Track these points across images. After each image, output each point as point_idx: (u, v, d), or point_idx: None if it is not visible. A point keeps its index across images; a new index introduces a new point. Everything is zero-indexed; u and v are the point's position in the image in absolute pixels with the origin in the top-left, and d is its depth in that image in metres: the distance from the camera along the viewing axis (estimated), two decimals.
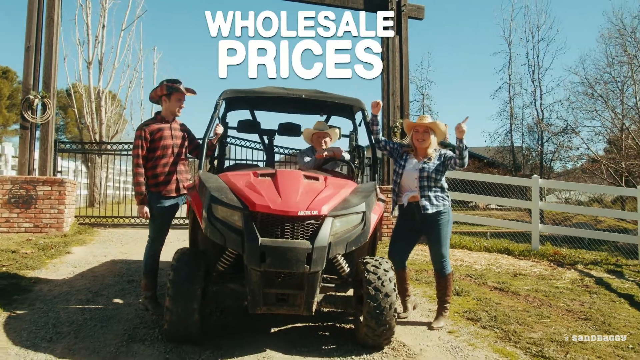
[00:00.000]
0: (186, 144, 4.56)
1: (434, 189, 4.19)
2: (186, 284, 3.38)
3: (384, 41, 11.40)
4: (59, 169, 10.03)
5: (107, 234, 9.15)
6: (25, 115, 8.64)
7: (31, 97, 8.63)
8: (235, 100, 4.68)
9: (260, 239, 3.20)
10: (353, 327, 4.03)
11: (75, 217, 9.81)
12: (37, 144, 8.88)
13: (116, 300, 4.67)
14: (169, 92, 4.40)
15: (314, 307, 3.46)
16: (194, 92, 4.52)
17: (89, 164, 17.93)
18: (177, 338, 3.50)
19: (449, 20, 61.28)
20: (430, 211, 4.16)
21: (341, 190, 3.69)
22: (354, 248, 3.51)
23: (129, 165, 23.24)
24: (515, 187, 11.87)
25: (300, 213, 3.30)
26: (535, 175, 10.53)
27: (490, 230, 12.96)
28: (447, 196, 4.28)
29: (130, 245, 7.93)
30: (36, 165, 8.84)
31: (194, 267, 3.47)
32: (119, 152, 11.97)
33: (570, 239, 10.97)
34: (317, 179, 3.85)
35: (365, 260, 3.65)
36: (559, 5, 50.63)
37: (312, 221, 3.34)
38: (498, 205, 17.92)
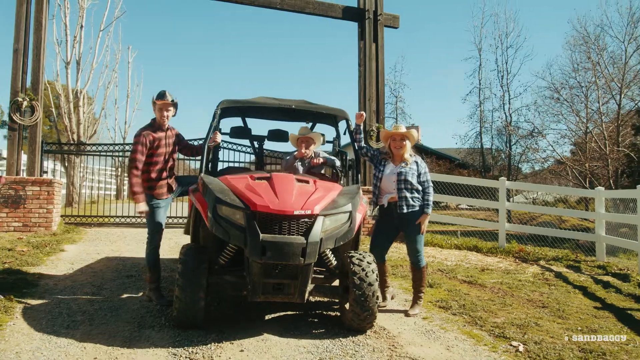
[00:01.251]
0: (176, 149, 5.02)
1: (410, 190, 4.71)
2: (194, 276, 3.81)
3: (361, 48, 11.93)
4: (45, 170, 10.24)
5: (94, 233, 9.43)
6: (13, 118, 8.85)
7: (19, 99, 8.85)
8: (230, 109, 5.11)
9: (261, 235, 3.66)
10: (338, 314, 4.52)
11: (61, 216, 10.04)
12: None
13: (119, 293, 5.05)
14: (153, 103, 4.82)
15: (306, 296, 3.94)
16: (170, 103, 4.81)
17: (67, 164, 17.98)
18: (185, 324, 3.92)
19: (421, 26, 62.50)
20: (407, 210, 4.68)
21: (330, 192, 4.18)
22: (341, 243, 3.99)
23: (108, 165, 23.36)
24: (485, 188, 12.55)
25: (296, 212, 3.77)
26: (502, 178, 11.21)
27: (460, 229, 13.66)
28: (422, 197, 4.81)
29: (119, 243, 8.24)
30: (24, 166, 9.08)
31: (199, 260, 3.90)
32: (104, 153, 12.18)
33: (536, 237, 11.71)
34: (307, 182, 4.32)
35: (350, 254, 4.14)
36: (526, 14, 52.40)
37: (306, 219, 3.81)
38: (468, 206, 18.65)
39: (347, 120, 5.14)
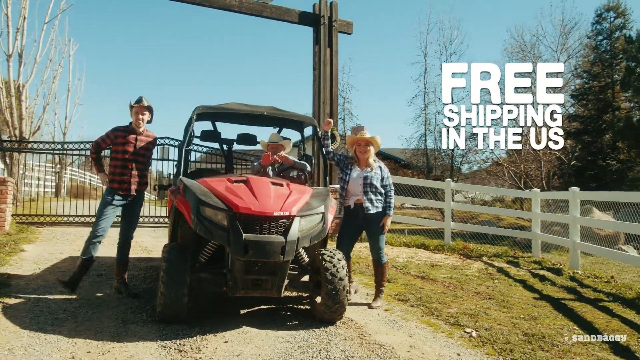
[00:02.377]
0: (149, 154, 5.35)
1: (375, 193, 5.14)
2: (178, 274, 4.05)
3: (316, 53, 12.30)
4: None
5: (49, 233, 9.30)
6: None
7: None
8: (205, 114, 5.34)
9: (243, 234, 3.95)
10: (308, 307, 4.88)
11: (12, 215, 9.79)
12: None
13: (93, 291, 5.18)
14: (130, 107, 5.17)
15: (283, 290, 4.28)
16: (145, 107, 5.14)
17: (8, 161, 17.27)
18: (169, 319, 4.15)
19: (371, 30, 63.80)
20: (372, 211, 5.10)
21: (304, 195, 4.52)
22: (315, 242, 4.35)
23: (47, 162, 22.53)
24: (428, 188, 13.24)
25: (275, 213, 4.09)
26: (448, 179, 11.93)
27: (407, 228, 14.33)
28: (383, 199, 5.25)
29: (78, 243, 8.19)
30: None
31: (183, 259, 4.15)
32: (50, 151, 11.91)
33: (477, 235, 12.52)
34: (281, 184, 4.65)
35: (322, 252, 4.51)
36: (469, 22, 54.83)
37: (284, 220, 4.14)
38: (412, 205, 19.47)
39: (315, 127, 5.50)
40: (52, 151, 11.87)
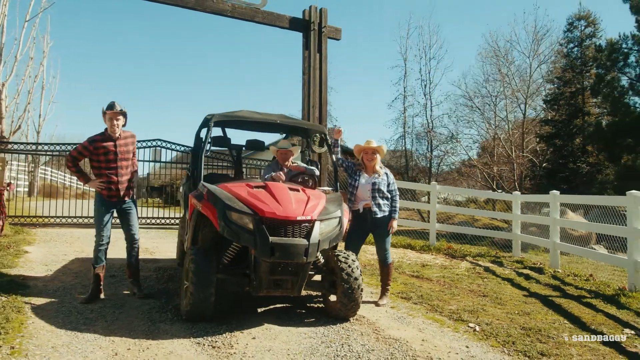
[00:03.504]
0: (131, 156, 5.32)
1: (382, 198, 5.47)
2: (205, 274, 4.29)
3: (306, 57, 12.57)
4: None
5: (44, 234, 9.34)
6: None
7: None
8: (221, 122, 5.58)
9: (270, 237, 4.22)
10: (320, 305, 5.18)
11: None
12: None
13: (112, 292, 5.36)
14: (103, 113, 5.15)
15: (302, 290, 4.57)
16: (119, 112, 5.13)
17: None
18: (196, 317, 4.39)
19: (349, 33, 64.31)
20: (379, 215, 5.43)
21: (321, 200, 4.81)
22: (333, 244, 4.65)
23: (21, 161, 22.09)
24: (407, 189, 13.64)
25: (299, 218, 4.37)
26: (433, 182, 12.39)
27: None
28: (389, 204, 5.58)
29: (78, 244, 8.33)
30: None
31: (210, 260, 4.40)
32: (32, 152, 11.88)
33: (455, 235, 12.96)
34: (298, 190, 4.93)
35: (337, 254, 4.81)
36: (448, 28, 56.04)
37: (306, 224, 4.43)
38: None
39: (325, 135, 5.79)
40: (35, 152, 11.79)
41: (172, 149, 12.85)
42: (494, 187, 25.03)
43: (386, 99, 51.13)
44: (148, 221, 12.07)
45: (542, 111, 27.00)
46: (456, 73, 61.96)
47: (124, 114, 5.20)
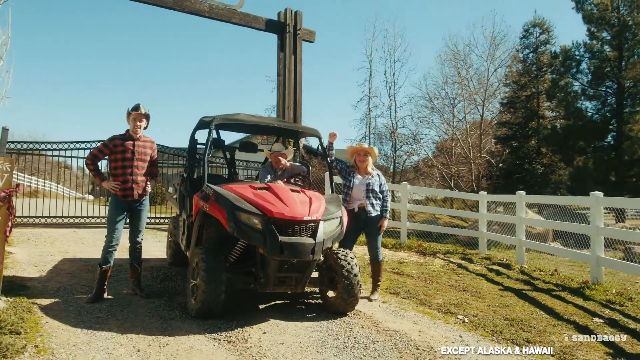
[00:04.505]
0: (148, 159, 5.46)
1: (375, 198, 5.79)
2: (216, 272, 4.48)
3: (281, 59, 12.80)
4: None
5: (19, 235, 9.18)
6: None
7: None
8: (222, 125, 5.74)
9: (279, 237, 4.44)
10: (318, 301, 5.44)
11: None
12: None
13: (113, 292, 5.45)
14: (128, 114, 5.33)
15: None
16: (143, 114, 5.31)
17: None
18: (206, 314, 4.57)
19: (319, 34, 64.59)
20: (373, 214, 5.75)
21: (322, 201, 5.07)
22: (336, 243, 4.92)
23: None
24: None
25: (305, 218, 4.62)
26: (404, 182, 12.83)
27: None
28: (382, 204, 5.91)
29: (58, 244, 8.28)
30: None
31: (219, 259, 4.59)
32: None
33: (420, 234, 13.42)
34: (298, 191, 5.17)
35: (336, 252, 5.09)
36: (412, 31, 57.38)
37: (312, 224, 4.68)
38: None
39: (320, 138, 6.05)
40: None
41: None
42: (452, 186, 25.87)
43: (351, 99, 51.80)
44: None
45: (499, 113, 28.12)
46: (419, 75, 63.50)
47: (147, 117, 5.37)
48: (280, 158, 6.09)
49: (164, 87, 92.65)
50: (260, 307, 5.25)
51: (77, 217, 11.72)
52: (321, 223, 4.73)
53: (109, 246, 5.15)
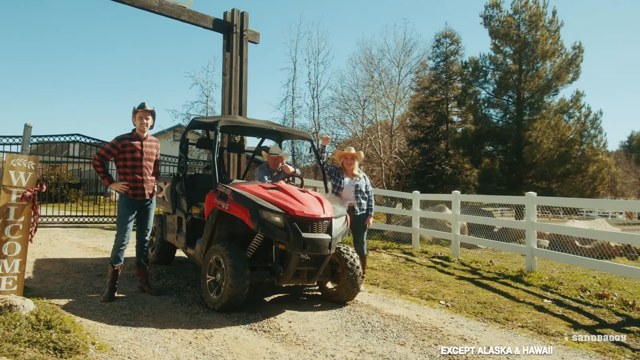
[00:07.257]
0: (154, 159, 5.59)
1: (362, 198, 6.36)
2: (242, 268, 4.78)
3: (227, 59, 12.91)
4: None
5: None
6: None
7: None
8: (225, 127, 5.98)
9: (302, 233, 4.84)
10: (315, 293, 5.90)
11: None
12: None
13: (122, 291, 5.50)
14: (134, 112, 5.45)
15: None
16: (149, 112, 5.41)
17: None
18: (231, 307, 4.85)
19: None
20: (360, 213, 6.30)
21: (328, 200, 5.52)
22: (344, 239, 5.40)
23: None
24: (311, 187, 14.65)
25: (322, 216, 5.05)
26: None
27: None
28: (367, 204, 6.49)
29: (46, 246, 8.05)
30: None
31: (243, 255, 4.88)
32: None
33: None
34: (304, 192, 5.58)
35: (339, 247, 5.57)
36: (334, 35, 58.88)
37: (327, 221, 5.12)
38: None
39: (312, 142, 6.48)
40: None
41: (93, 145, 12.32)
42: None
43: (272, 99, 52.02)
44: (72, 219, 11.48)
45: (411, 116, 30.00)
46: (338, 77, 65.40)
47: (153, 114, 5.42)
48: (277, 160, 6.44)
49: (107, 79, 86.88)
50: (266, 299, 5.59)
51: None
52: (334, 220, 5.19)
53: (121, 245, 5.21)
